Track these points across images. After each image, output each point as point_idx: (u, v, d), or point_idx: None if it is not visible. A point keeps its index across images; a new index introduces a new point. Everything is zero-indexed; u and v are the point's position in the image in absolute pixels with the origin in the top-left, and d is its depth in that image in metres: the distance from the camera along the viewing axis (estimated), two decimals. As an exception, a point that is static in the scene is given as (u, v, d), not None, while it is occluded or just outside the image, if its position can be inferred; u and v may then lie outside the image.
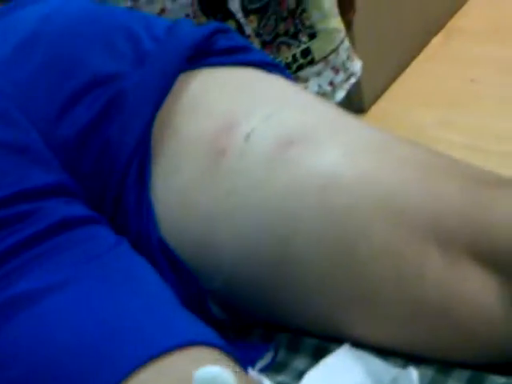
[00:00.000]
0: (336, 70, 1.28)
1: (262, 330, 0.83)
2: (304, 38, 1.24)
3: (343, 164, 0.76)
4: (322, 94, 1.25)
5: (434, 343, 0.75)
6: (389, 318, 0.75)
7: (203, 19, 1.15)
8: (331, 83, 1.27)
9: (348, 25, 1.33)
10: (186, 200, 0.79)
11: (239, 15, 1.17)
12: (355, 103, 1.88)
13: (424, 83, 2.07)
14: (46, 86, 0.79)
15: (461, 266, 0.72)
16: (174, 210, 0.79)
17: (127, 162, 0.79)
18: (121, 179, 0.79)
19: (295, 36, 1.23)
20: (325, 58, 1.26)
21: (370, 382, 0.72)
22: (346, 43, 1.30)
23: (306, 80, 1.25)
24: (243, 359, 0.67)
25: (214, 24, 0.93)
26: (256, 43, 1.19)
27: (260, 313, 0.82)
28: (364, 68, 1.35)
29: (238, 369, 0.64)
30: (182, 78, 0.84)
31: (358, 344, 0.75)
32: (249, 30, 1.18)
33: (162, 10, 1.14)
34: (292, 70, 1.23)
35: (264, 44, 1.20)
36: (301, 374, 0.74)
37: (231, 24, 1.16)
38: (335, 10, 1.27)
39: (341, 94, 1.29)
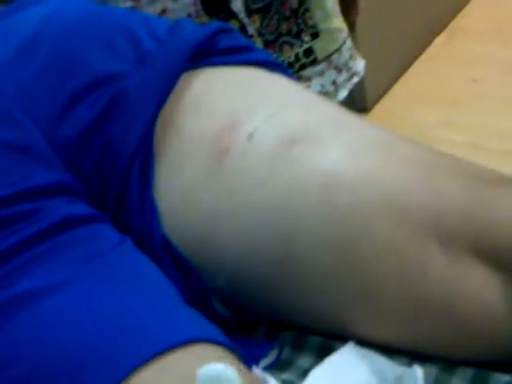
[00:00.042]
0: (339, 70, 1.28)
1: (266, 327, 0.83)
2: (306, 38, 1.24)
3: (346, 163, 0.76)
4: (325, 94, 1.25)
5: (437, 341, 0.75)
6: (392, 315, 0.75)
7: (206, 19, 1.15)
8: (334, 83, 1.27)
9: (351, 26, 1.33)
10: (189, 198, 0.79)
11: (242, 15, 1.17)
12: (358, 103, 1.88)
13: (427, 83, 2.07)
14: (48, 86, 0.79)
15: (463, 263, 0.72)
16: (177, 208, 0.79)
17: (130, 160, 0.79)
18: (123, 177, 0.79)
19: (298, 35, 1.23)
20: (327, 57, 1.26)
21: (375, 380, 0.72)
22: (349, 43, 1.30)
23: (308, 79, 1.25)
24: (247, 357, 0.67)
25: (216, 24, 0.93)
26: (258, 43, 1.19)
27: (264, 311, 0.82)
28: (367, 67, 1.35)
29: (242, 366, 0.64)
30: (184, 77, 0.84)
31: (363, 342, 0.75)
32: (251, 29, 1.18)
33: (164, 10, 1.13)
34: (295, 70, 1.23)
35: (267, 43, 1.20)
36: (305, 372, 0.74)
37: (234, 24, 1.16)
38: (337, 10, 1.27)
39: (343, 94, 1.29)
